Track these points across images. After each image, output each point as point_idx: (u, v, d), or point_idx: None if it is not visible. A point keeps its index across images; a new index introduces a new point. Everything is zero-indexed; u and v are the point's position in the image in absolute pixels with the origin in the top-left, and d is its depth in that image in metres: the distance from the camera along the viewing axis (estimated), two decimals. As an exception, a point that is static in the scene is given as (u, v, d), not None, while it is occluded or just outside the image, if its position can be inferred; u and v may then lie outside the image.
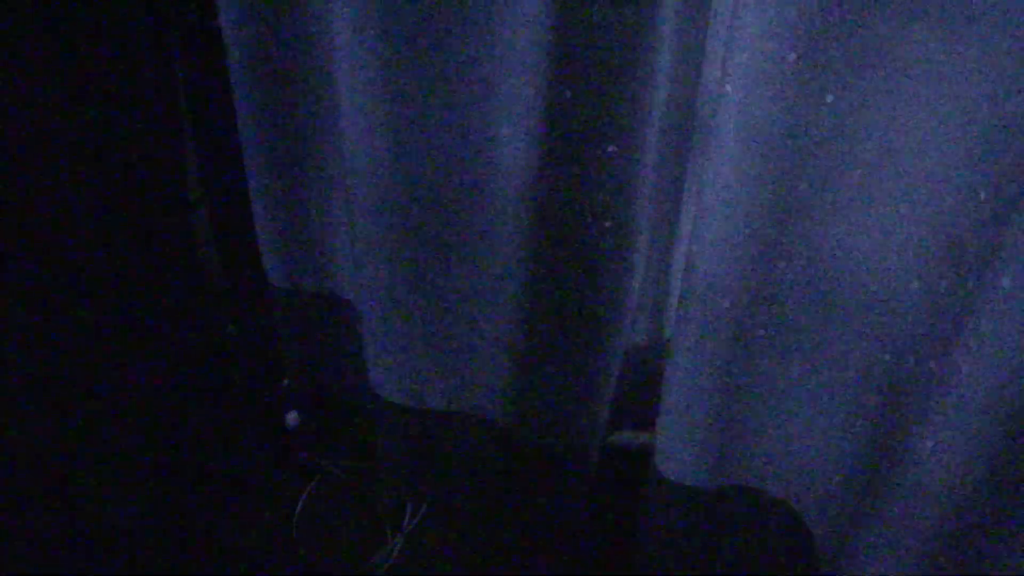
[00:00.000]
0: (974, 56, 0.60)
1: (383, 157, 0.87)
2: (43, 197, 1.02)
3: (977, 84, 0.61)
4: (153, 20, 0.99)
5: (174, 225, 1.13)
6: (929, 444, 0.69)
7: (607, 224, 0.84)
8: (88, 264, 1.08)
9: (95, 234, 1.07)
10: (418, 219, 0.89)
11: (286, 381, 1.26)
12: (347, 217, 0.96)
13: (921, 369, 0.70)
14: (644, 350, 1.03)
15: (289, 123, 0.97)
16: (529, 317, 0.93)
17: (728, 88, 0.67)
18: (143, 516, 1.19)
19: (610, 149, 0.79)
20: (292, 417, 1.28)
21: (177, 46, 1.04)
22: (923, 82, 0.64)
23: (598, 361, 0.94)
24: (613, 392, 0.98)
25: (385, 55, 0.80)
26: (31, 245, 1.02)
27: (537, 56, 0.77)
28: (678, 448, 0.88)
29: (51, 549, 1.13)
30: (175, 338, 1.20)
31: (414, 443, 1.07)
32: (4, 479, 1.12)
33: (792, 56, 0.65)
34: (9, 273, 1.02)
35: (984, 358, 0.64)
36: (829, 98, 0.67)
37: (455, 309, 0.95)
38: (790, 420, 0.83)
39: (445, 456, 1.08)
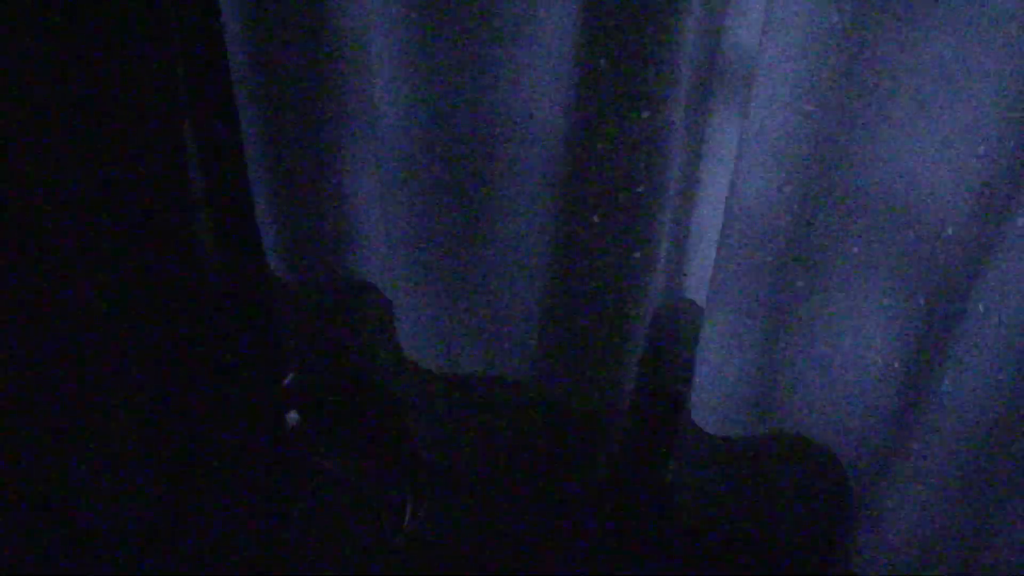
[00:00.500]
0: (1017, 10, 0.63)
1: (417, 126, 0.88)
2: (42, 191, 1.02)
3: (1014, 39, 0.64)
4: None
5: (174, 222, 1.13)
6: (963, 381, 0.73)
7: (639, 189, 0.86)
8: (87, 263, 1.08)
9: (93, 232, 1.06)
10: (451, 184, 0.91)
11: (291, 375, 1.26)
12: (378, 186, 0.97)
13: (953, 309, 0.73)
14: (664, 312, 1.05)
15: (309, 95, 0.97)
16: (561, 280, 0.95)
17: (769, 44, 0.70)
18: (143, 516, 1.20)
19: (644, 115, 0.81)
20: (292, 417, 1.28)
21: (176, 28, 1.03)
22: (958, 41, 0.67)
23: (627, 323, 0.96)
24: (641, 354, 1.00)
25: (420, 20, 0.81)
26: (31, 243, 1.02)
27: (572, 25, 0.79)
28: (716, 400, 0.91)
29: (51, 549, 1.14)
30: (175, 336, 1.20)
31: (446, 408, 1.09)
32: (4, 479, 1.12)
33: (835, 14, 0.67)
34: (9, 272, 1.02)
35: (1008, 298, 0.67)
36: (868, 53, 0.69)
37: (487, 272, 0.97)
38: (828, 364, 0.86)
39: (476, 419, 1.10)
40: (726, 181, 0.93)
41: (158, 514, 1.20)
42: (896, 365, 0.81)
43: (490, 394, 1.08)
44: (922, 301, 0.77)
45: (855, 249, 0.79)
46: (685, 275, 1.03)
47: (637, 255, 0.91)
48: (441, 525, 1.18)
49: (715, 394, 0.91)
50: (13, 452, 1.12)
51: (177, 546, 1.19)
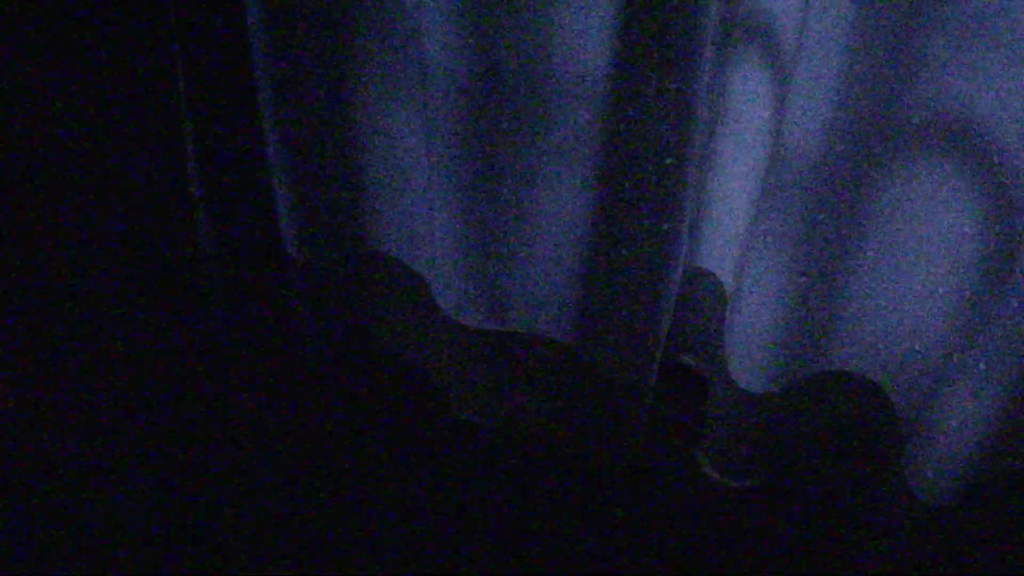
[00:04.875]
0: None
1: (462, 92, 0.89)
2: (42, 189, 1.00)
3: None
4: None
5: (175, 219, 1.11)
6: (1009, 305, 0.77)
7: (668, 161, 0.88)
8: (87, 262, 1.06)
9: (92, 231, 1.05)
10: (492, 152, 0.93)
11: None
12: (425, 146, 0.97)
13: (997, 239, 0.78)
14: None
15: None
16: (595, 241, 0.98)
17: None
18: (143, 515, 1.18)
19: (672, 86, 0.83)
20: None
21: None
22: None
23: (658, 285, 0.98)
24: (671, 317, 1.03)
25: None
26: (31, 241, 1.01)
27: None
28: (754, 352, 0.94)
29: (51, 549, 1.12)
30: (177, 333, 1.19)
31: (485, 365, 1.12)
32: (4, 479, 1.11)
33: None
34: (9, 271, 1.01)
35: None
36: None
37: (527, 232, 0.99)
38: (874, 301, 0.89)
39: (514, 378, 1.13)
40: (736, 149, 0.96)
41: (158, 514, 1.18)
42: (939, 293, 0.85)
43: (530, 353, 1.10)
44: (968, 229, 0.81)
45: (902, 185, 0.82)
46: (697, 242, 1.06)
47: (666, 226, 0.93)
48: (473, 487, 1.19)
49: (752, 347, 0.93)
50: (13, 453, 1.11)
51: (177, 545, 1.17)
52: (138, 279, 1.11)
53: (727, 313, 0.98)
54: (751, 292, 0.91)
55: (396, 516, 1.19)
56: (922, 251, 0.84)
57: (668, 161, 0.88)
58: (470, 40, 0.87)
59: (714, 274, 1.05)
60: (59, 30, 0.92)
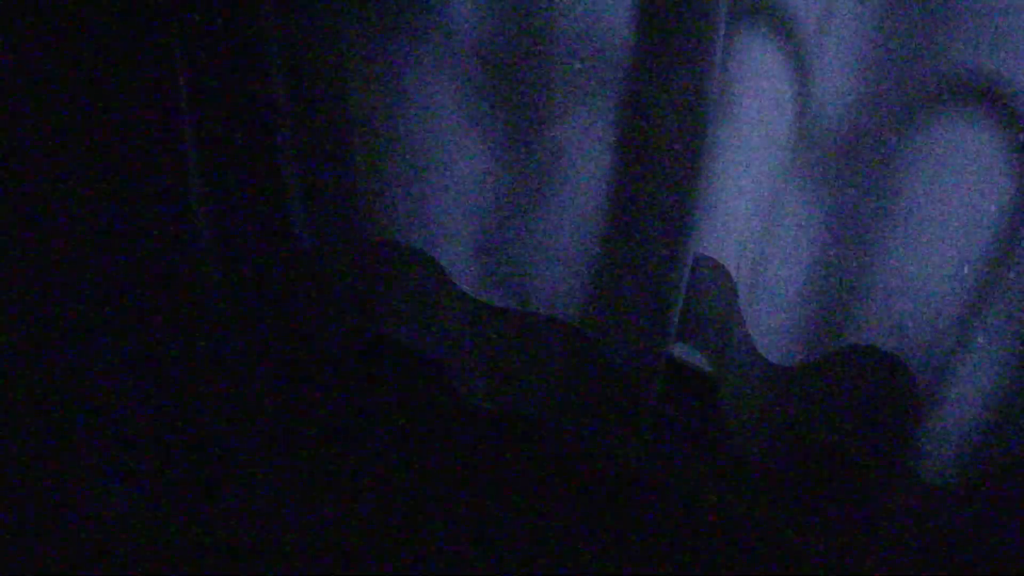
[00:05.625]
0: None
1: (487, 66, 0.89)
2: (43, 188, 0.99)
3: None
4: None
5: (176, 218, 1.09)
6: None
7: (681, 146, 0.88)
8: (87, 261, 1.05)
9: (93, 230, 1.04)
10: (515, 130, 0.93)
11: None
12: (452, 126, 0.97)
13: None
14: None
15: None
16: (610, 223, 0.98)
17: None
18: (142, 516, 1.18)
19: (686, 79, 0.83)
20: None
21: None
22: None
23: (671, 268, 0.98)
24: (682, 303, 1.03)
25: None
26: (30, 240, 1.00)
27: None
28: (779, 324, 0.93)
29: (51, 549, 1.13)
30: (179, 333, 1.17)
31: (498, 346, 1.12)
32: (4, 479, 1.11)
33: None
34: (10, 271, 1.01)
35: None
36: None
37: (544, 210, 0.99)
38: (895, 275, 0.89)
39: (526, 358, 1.13)
40: (739, 130, 0.95)
41: (157, 513, 1.18)
42: (965, 270, 0.85)
43: (542, 334, 1.10)
44: (993, 208, 0.81)
45: (930, 156, 0.81)
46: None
47: (677, 209, 0.93)
48: (482, 477, 1.19)
49: (776, 319, 0.93)
50: (13, 452, 1.10)
51: (177, 545, 1.17)
52: (139, 275, 1.10)
53: (749, 287, 0.98)
54: (776, 265, 0.91)
55: (407, 507, 1.19)
56: (949, 225, 0.84)
57: (682, 146, 0.88)
58: (495, 12, 0.86)
59: (712, 258, 1.05)
60: (59, 28, 0.91)
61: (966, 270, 0.85)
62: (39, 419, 1.10)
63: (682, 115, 0.85)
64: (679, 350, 1.17)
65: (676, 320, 1.03)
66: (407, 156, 1.04)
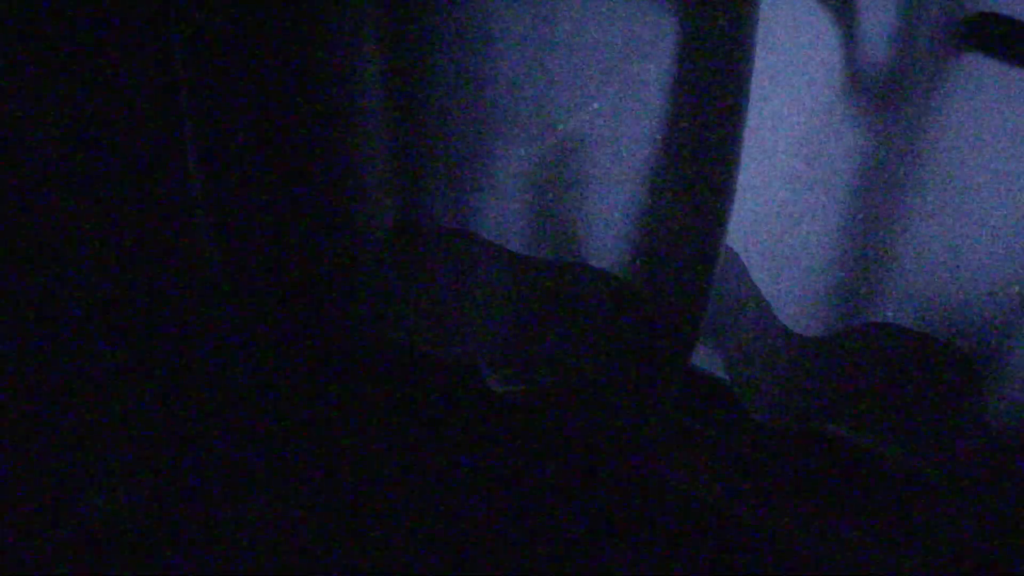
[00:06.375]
0: None
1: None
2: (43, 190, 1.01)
3: None
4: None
5: (177, 219, 1.11)
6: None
7: (724, 105, 0.88)
8: (87, 260, 1.07)
9: (95, 229, 1.06)
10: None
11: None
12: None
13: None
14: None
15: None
16: (657, 179, 0.98)
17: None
18: (143, 515, 1.18)
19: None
20: None
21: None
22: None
23: (710, 225, 0.97)
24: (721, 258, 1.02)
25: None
26: (31, 239, 1.02)
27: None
28: (809, 298, 0.92)
29: (51, 549, 1.13)
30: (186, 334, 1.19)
31: (533, 292, 1.11)
32: (4, 479, 1.13)
33: None
34: (10, 270, 1.02)
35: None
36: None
37: (582, 167, 0.99)
38: (923, 253, 0.89)
39: (562, 305, 1.12)
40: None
41: (158, 513, 1.19)
42: (998, 246, 0.85)
43: (587, 284, 1.09)
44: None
45: (964, 122, 0.81)
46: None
47: (716, 185, 0.93)
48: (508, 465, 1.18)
49: (806, 292, 0.92)
50: (14, 452, 1.12)
51: (177, 544, 1.17)
52: (139, 275, 1.11)
53: (770, 256, 0.97)
54: (807, 233, 0.90)
55: (408, 507, 1.18)
56: (984, 196, 0.84)
57: (724, 106, 0.88)
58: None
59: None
60: (60, 29, 0.92)
61: (996, 251, 0.85)
62: (39, 419, 1.11)
63: (728, 60, 0.85)
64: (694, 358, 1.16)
65: (716, 271, 1.01)
66: (451, 137, 1.03)
